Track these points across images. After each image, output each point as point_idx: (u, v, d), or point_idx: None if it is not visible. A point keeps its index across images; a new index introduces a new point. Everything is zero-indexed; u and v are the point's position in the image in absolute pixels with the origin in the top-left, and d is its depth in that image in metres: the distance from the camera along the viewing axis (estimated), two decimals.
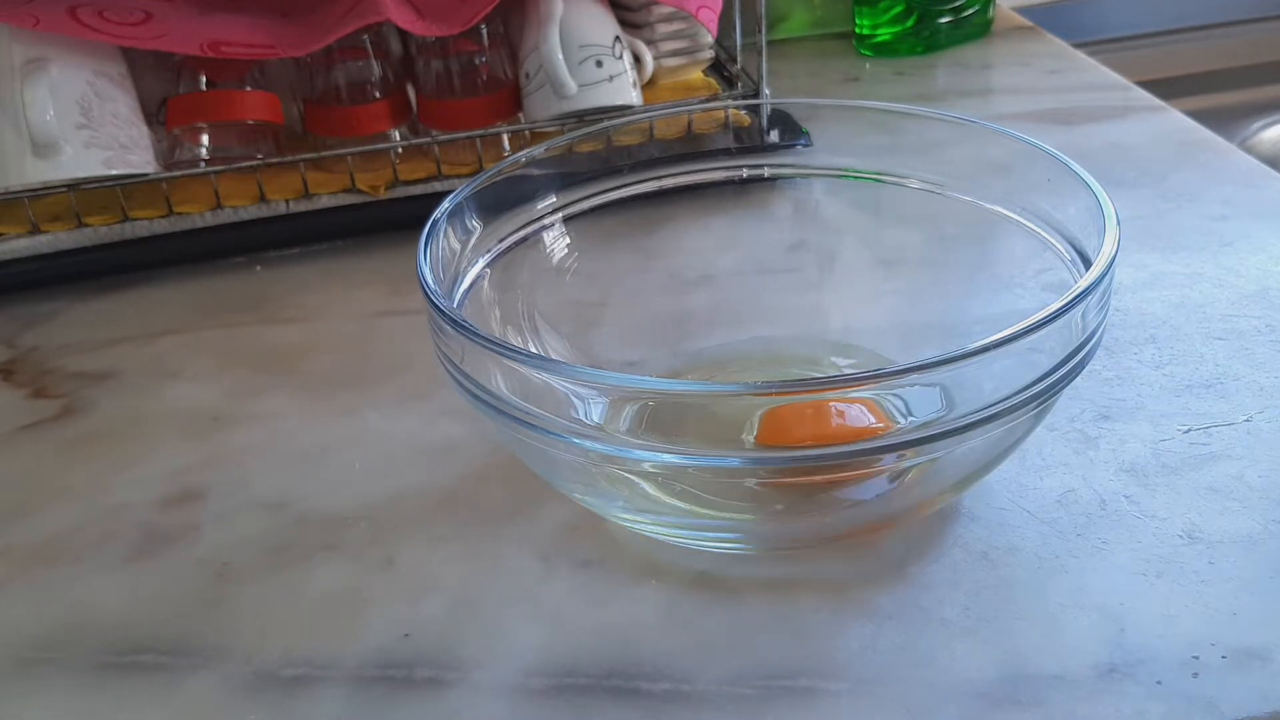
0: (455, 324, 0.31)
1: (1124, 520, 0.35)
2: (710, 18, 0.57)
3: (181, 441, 0.42)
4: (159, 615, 0.34)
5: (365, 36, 0.56)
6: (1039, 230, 0.37)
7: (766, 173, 0.45)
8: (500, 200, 0.40)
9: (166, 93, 0.55)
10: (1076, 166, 0.35)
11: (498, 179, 0.39)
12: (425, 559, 0.36)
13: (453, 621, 0.33)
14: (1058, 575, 0.33)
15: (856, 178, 0.43)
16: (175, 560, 0.37)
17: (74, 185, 0.51)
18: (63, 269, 0.53)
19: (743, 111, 0.57)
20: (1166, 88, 0.76)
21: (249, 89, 0.56)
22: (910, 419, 0.35)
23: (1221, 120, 0.80)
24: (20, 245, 0.53)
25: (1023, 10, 0.85)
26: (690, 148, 0.54)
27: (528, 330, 0.40)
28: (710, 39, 0.61)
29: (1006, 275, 0.39)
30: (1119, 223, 0.32)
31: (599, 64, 0.55)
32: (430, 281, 0.33)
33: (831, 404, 0.35)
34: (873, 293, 0.43)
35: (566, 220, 0.42)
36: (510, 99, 0.57)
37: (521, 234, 0.41)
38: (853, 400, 0.35)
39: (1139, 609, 0.32)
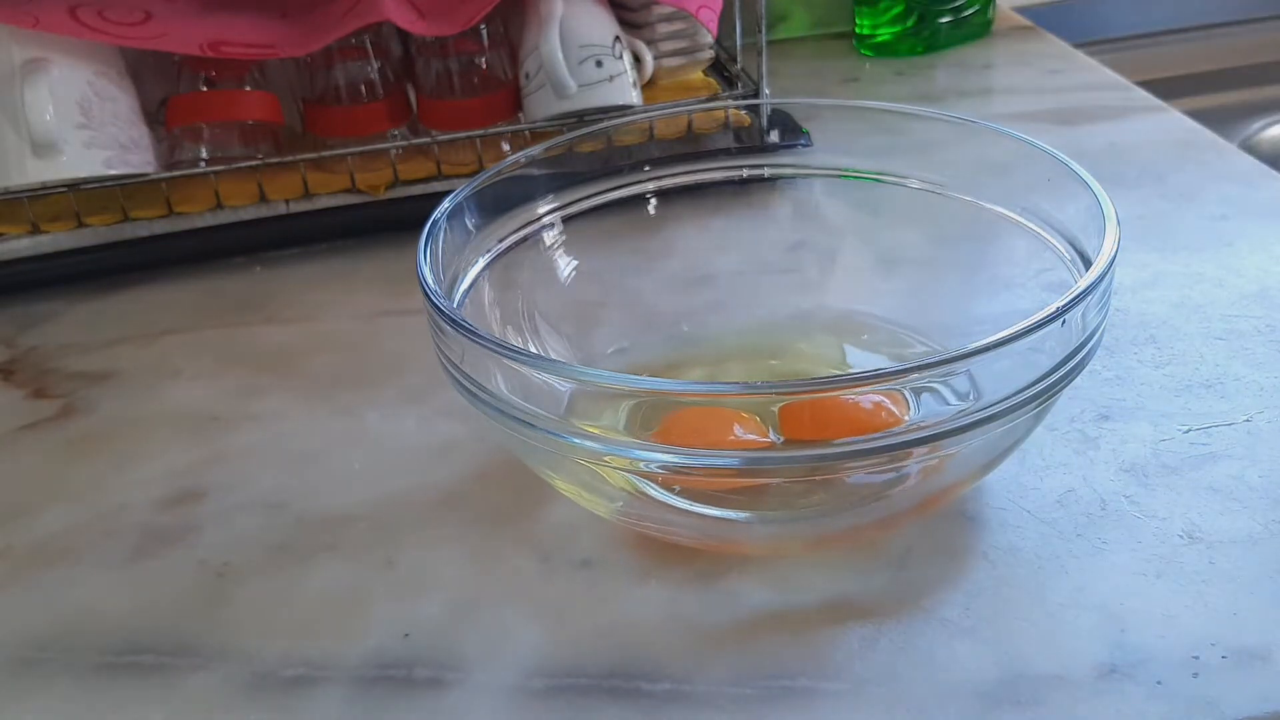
0: (455, 324, 0.31)
1: (1124, 520, 0.35)
2: (710, 18, 0.57)
3: (181, 441, 0.42)
4: (159, 615, 0.34)
5: (365, 36, 0.56)
6: (1039, 230, 0.37)
7: (766, 173, 0.45)
8: (500, 200, 0.40)
9: (166, 93, 0.55)
10: (1076, 166, 0.35)
11: (497, 179, 0.39)
12: (425, 559, 0.36)
13: (453, 621, 0.33)
14: (1058, 575, 0.33)
15: (856, 178, 0.43)
16: (175, 560, 0.37)
17: (74, 185, 0.51)
18: (63, 269, 0.53)
19: (743, 111, 0.57)
20: (1166, 88, 0.75)
21: (249, 89, 0.56)
22: (909, 419, 0.35)
23: (1221, 120, 0.79)
24: (20, 245, 0.53)
25: (1023, 10, 0.85)
26: (690, 148, 0.54)
27: (528, 330, 0.40)
28: (710, 39, 0.61)
29: (1006, 275, 0.39)
30: (1119, 223, 0.32)
31: (599, 64, 0.54)
32: (430, 281, 0.33)
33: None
34: (873, 293, 0.43)
35: (566, 220, 0.42)
36: (510, 99, 0.57)
37: (521, 234, 0.41)
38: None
39: (1139, 609, 0.32)
